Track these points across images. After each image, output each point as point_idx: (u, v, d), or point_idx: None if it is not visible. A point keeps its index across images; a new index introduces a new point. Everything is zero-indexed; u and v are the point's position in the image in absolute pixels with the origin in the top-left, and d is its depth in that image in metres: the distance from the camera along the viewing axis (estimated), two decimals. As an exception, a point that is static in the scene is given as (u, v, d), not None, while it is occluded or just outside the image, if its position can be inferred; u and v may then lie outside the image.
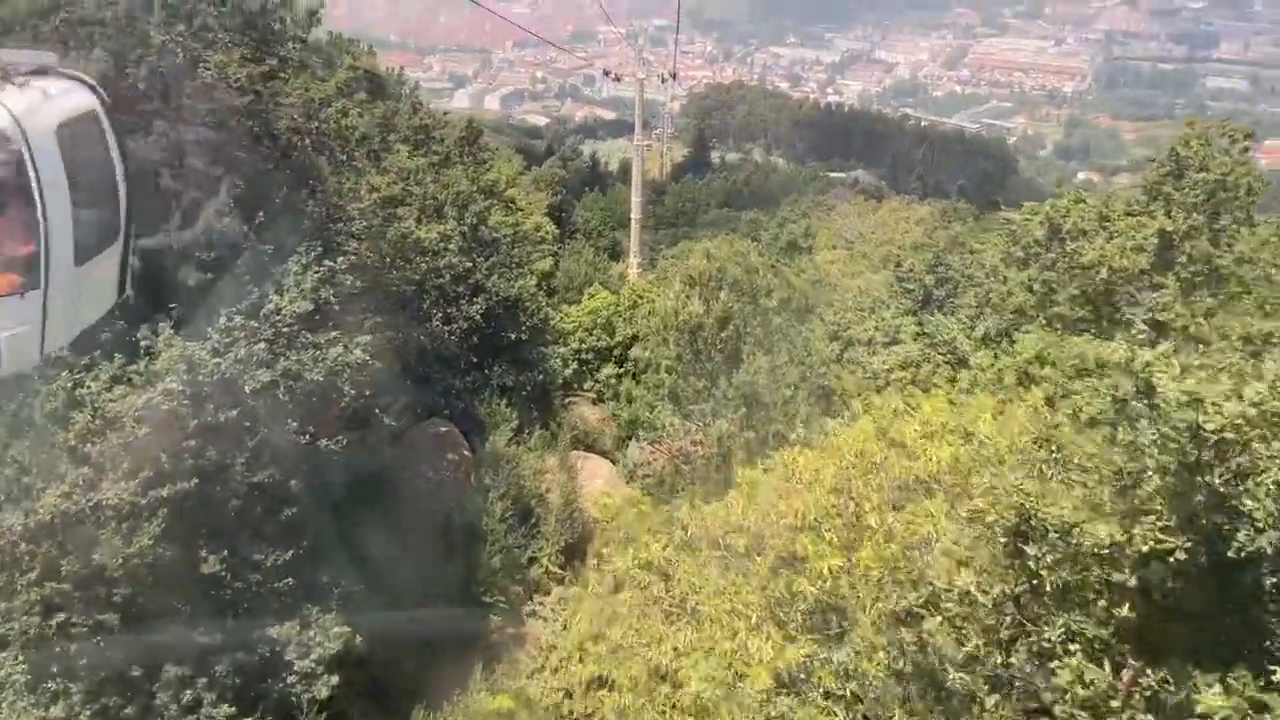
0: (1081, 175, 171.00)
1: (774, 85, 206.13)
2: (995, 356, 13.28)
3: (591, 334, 31.55)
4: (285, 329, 13.14)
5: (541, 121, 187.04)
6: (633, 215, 45.07)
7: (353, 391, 13.84)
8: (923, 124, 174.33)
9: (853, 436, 8.54)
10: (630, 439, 21.21)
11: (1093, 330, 13.81)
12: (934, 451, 8.05)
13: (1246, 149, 15.18)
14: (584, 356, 31.42)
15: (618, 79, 42.33)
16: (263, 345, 12.72)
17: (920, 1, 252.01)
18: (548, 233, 37.35)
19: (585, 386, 31.69)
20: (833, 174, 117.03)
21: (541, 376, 27.87)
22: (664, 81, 41.27)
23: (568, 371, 31.20)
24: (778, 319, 15.44)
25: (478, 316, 25.96)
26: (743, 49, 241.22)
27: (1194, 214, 13.94)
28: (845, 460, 8.41)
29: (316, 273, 13.70)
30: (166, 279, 12.57)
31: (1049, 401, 8.71)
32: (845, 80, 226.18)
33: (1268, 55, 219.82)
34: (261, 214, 13.91)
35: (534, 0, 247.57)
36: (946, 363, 14.87)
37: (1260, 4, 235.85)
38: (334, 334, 13.79)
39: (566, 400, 30.98)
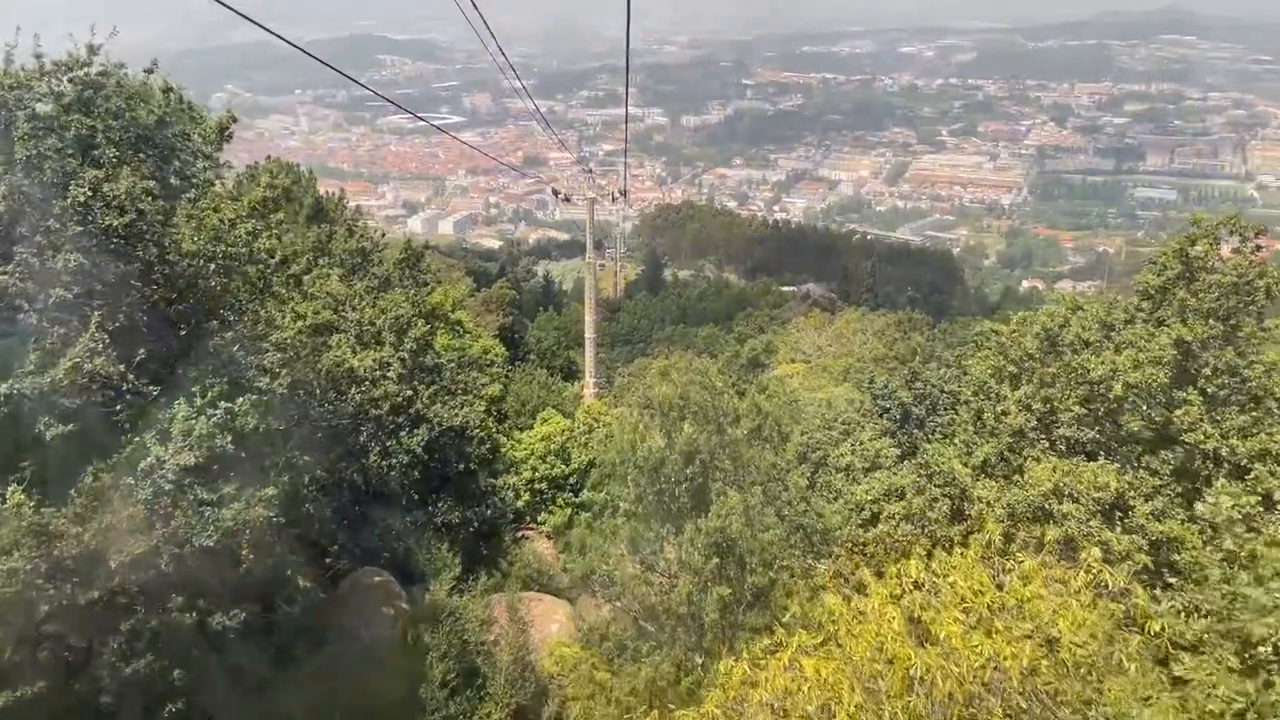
0: (1026, 283, 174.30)
1: (722, 204, 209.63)
2: (1002, 489, 11.38)
3: (545, 461, 29.40)
4: (169, 485, 10.94)
5: (495, 244, 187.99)
6: (586, 334, 43.42)
7: (251, 556, 11.57)
8: (869, 237, 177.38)
9: (869, 630, 6.48)
10: (584, 590, 18.83)
11: (1105, 454, 12.00)
12: (989, 649, 5.95)
13: (1259, 247, 13.70)
14: (537, 486, 29.18)
15: (567, 199, 41.11)
16: (139, 507, 10.50)
17: (858, 122, 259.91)
18: (497, 355, 35.50)
19: (539, 519, 29.39)
20: (785, 288, 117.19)
21: (490, 510, 25.62)
22: (614, 200, 40.04)
23: (519, 503, 28.94)
24: (750, 451, 13.57)
25: (419, 449, 23.80)
26: (691, 171, 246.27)
27: (1211, 320, 12.36)
28: (865, 669, 6.28)
29: (211, 416, 11.57)
30: (19, 431, 10.39)
31: (1107, 559, 6.75)
32: (791, 198, 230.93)
33: (1193, 166, 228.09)
34: (143, 351, 11.81)
35: (485, 128, 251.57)
36: (944, 494, 12.98)
37: (1179, 119, 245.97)
38: (232, 488, 11.61)
39: (519, 534, 28.65)
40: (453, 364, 26.37)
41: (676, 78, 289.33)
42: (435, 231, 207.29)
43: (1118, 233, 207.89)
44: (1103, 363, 12.26)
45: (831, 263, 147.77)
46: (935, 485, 13.03)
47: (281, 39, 11.19)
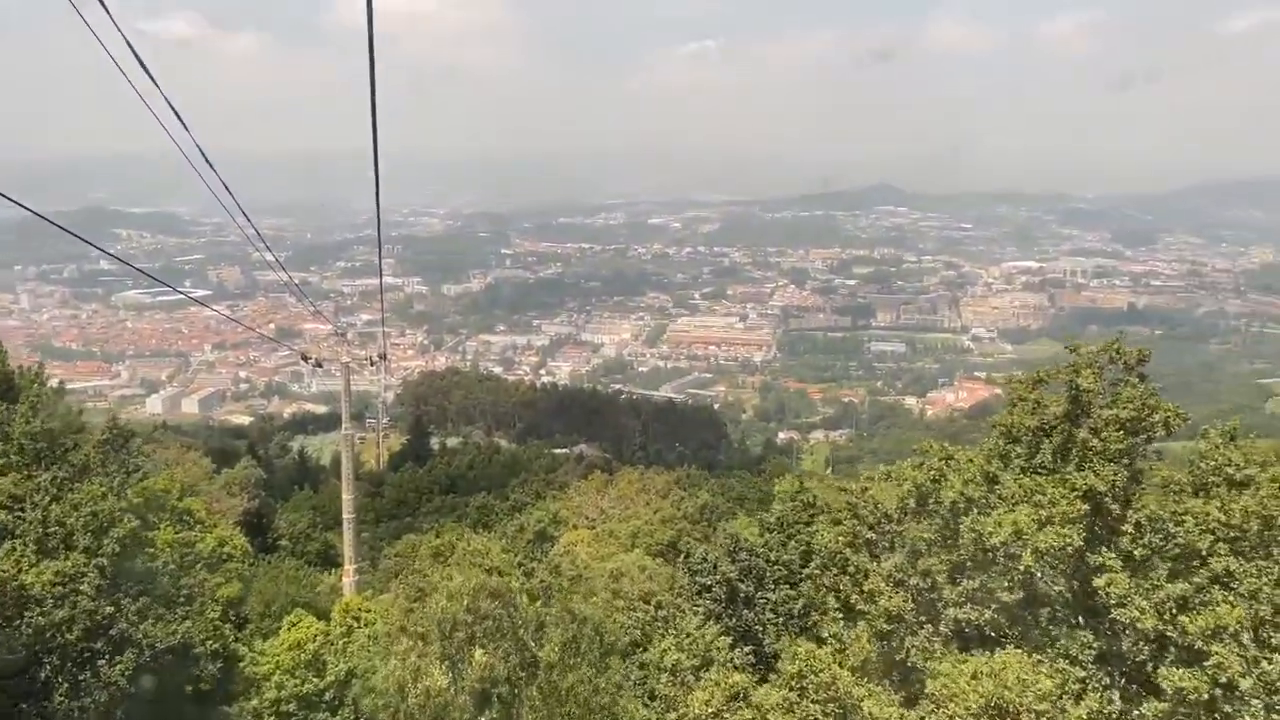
0: (782, 435, 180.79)
1: (488, 370, 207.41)
2: (900, 702, 8.49)
3: (294, 676, 24.20)
4: None
5: (246, 421, 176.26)
6: (345, 514, 38.34)
7: None
8: (635, 397, 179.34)
9: None
10: None
11: (1007, 639, 9.43)
12: None
13: (1144, 375, 11.96)
14: (285, 708, 23.85)
15: (319, 364, 36.83)
16: None
17: (617, 289, 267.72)
18: (236, 547, 30.06)
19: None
20: (557, 450, 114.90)
21: (223, 750, 20.34)
22: (373, 364, 36.19)
23: (264, 731, 23.51)
24: (568, 676, 10.12)
25: (123, 679, 18.51)
26: (454, 338, 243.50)
27: (1116, 464, 10.33)
28: None
29: None
30: None
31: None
32: (556, 362, 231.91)
33: (916, 321, 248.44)
34: None
35: (234, 301, 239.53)
36: (821, 711, 9.92)
37: (900, 280, 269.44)
38: None
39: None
40: (172, 566, 21.33)
41: (436, 248, 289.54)
42: (178, 410, 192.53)
43: (859, 384, 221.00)
44: (999, 524, 9.90)
45: (601, 423, 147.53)
46: (812, 701, 9.95)
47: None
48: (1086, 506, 9.84)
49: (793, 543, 18.45)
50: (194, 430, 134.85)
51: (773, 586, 16.69)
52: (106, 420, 22.24)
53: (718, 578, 16.85)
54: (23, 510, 18.14)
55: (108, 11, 7.05)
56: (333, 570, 40.30)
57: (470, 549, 21.24)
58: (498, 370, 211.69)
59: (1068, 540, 9.56)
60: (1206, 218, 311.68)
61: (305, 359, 36.07)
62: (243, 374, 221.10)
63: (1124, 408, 11.05)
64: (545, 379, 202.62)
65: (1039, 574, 9.66)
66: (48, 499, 18.45)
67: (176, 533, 27.28)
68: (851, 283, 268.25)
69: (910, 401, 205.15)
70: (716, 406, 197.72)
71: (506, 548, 24.63)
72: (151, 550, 20.47)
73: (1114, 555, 9.58)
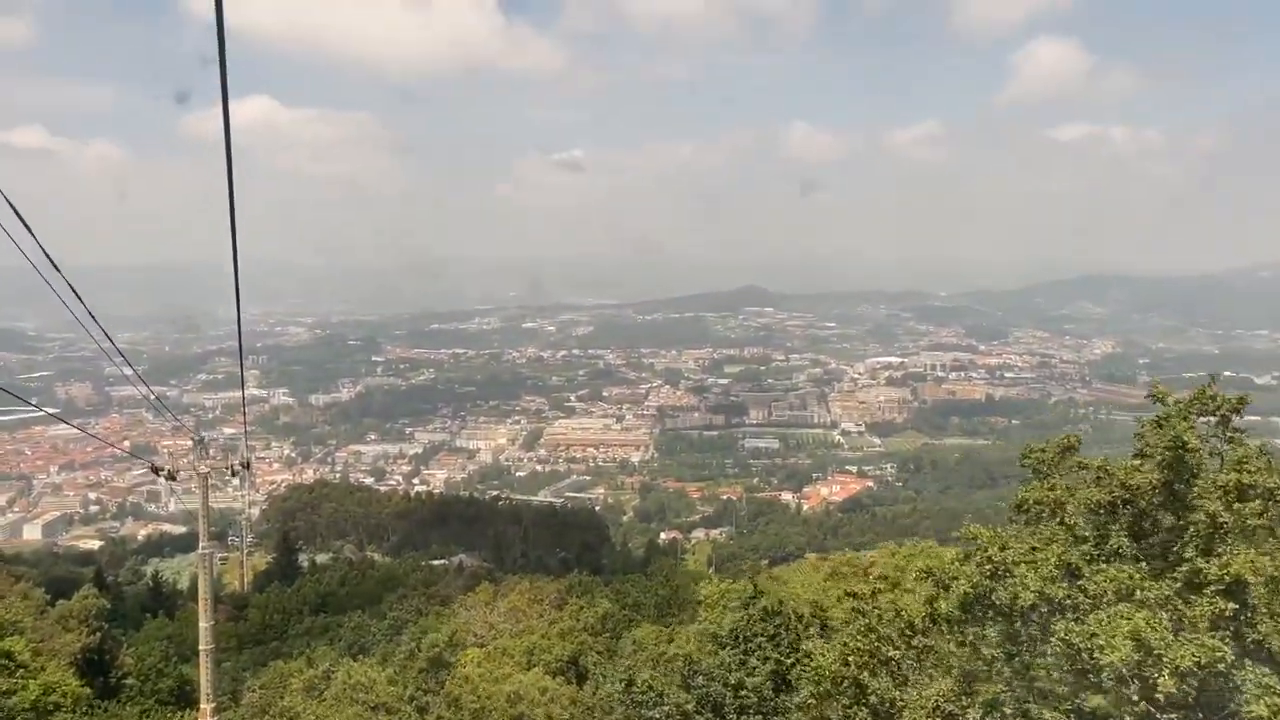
0: (664, 535, 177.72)
1: (359, 481, 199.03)
2: None
3: None
4: None
5: (96, 545, 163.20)
6: (201, 644, 33.40)
7: None
8: (514, 503, 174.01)
9: None
10: None
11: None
12: None
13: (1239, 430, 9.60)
14: None
15: (172, 476, 32.47)
16: None
17: (492, 393, 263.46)
18: (67, 693, 25.21)
19: None
20: (435, 561, 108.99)
21: None
22: (234, 474, 32.23)
23: None
24: None
25: None
26: (323, 449, 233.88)
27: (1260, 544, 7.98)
28: None
29: None
30: None
31: None
32: (430, 470, 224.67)
33: (787, 418, 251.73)
34: None
35: (86, 420, 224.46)
36: None
37: (770, 378, 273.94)
38: None
39: None
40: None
41: (303, 358, 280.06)
42: (19, 537, 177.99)
43: (736, 481, 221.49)
44: (1109, 635, 7.22)
45: (479, 531, 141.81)
46: None
47: None
48: (1234, 605, 7.42)
49: (754, 660, 15.37)
50: (35, 559, 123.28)
51: (735, 715, 13.66)
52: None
53: (667, 709, 13.76)
54: None
55: None
56: (187, 710, 35.03)
57: (351, 681, 17.65)
58: (370, 481, 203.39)
59: (1218, 654, 7.05)
60: (1050, 312, 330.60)
61: (157, 471, 31.84)
62: (93, 495, 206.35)
63: (1254, 471, 8.53)
64: (420, 488, 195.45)
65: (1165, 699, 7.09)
66: None
67: (-8, 682, 22.60)
68: (724, 381, 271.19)
69: (786, 497, 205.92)
70: (597, 509, 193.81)
71: (394, 677, 20.98)
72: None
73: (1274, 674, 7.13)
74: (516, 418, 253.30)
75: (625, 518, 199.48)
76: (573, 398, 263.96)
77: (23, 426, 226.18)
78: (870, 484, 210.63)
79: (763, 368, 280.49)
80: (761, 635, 15.96)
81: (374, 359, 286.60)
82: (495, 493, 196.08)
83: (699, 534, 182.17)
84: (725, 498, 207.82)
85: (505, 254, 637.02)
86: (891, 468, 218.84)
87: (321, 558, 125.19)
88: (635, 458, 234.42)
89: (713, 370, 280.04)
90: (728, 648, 17.22)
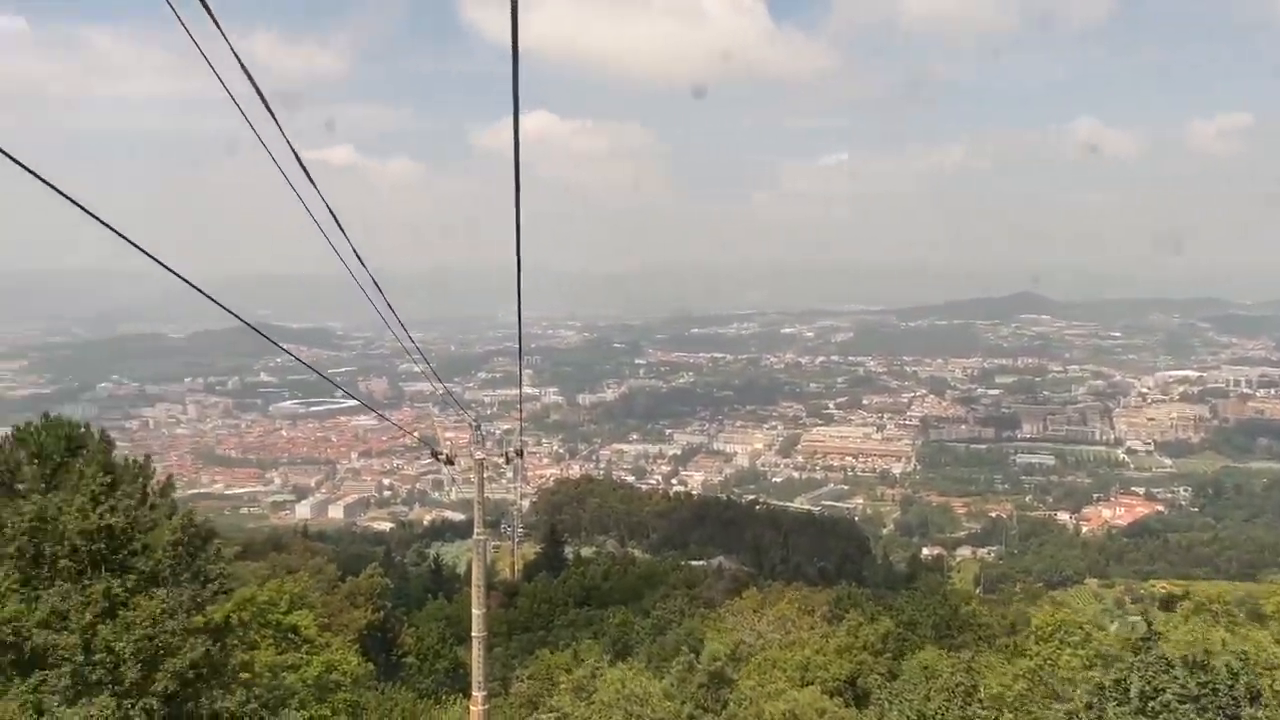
0: (927, 550, 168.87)
1: (621, 479, 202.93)
2: None
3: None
4: None
5: (387, 527, 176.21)
6: (474, 632, 33.18)
7: None
8: (771, 508, 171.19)
9: None
10: None
11: None
12: None
13: None
14: None
15: (451, 461, 32.39)
16: None
17: (749, 398, 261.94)
18: (346, 672, 25.16)
19: None
20: (693, 562, 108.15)
21: None
22: (508, 461, 31.57)
23: None
24: None
25: None
26: (588, 447, 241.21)
27: None
28: None
29: None
30: None
31: None
32: (688, 471, 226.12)
33: (1065, 433, 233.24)
34: None
35: (381, 410, 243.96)
36: None
37: (1046, 390, 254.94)
38: None
39: None
40: (255, 703, 16.53)
41: (572, 359, 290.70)
42: (325, 516, 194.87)
43: (1006, 498, 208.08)
44: None
45: (736, 535, 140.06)
46: None
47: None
48: None
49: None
50: (336, 537, 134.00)
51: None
52: (180, 517, 17.92)
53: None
54: (58, 634, 13.66)
55: (291, 146, 7.32)
56: (460, 697, 34.96)
57: (625, 691, 15.76)
58: (631, 479, 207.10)
59: None
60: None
61: (437, 456, 31.70)
62: (386, 481, 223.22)
63: None
64: (678, 488, 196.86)
65: None
66: (94, 617, 13.91)
67: (279, 652, 22.72)
68: (994, 392, 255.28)
69: (1063, 517, 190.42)
70: (856, 519, 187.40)
71: (670, 690, 19.04)
72: (223, 681, 15.73)
73: None
74: (773, 423, 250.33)
75: (885, 530, 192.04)
76: (831, 405, 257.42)
77: (330, 416, 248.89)
78: (1160, 508, 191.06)
79: (1038, 379, 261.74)
80: (1181, 698, 11.89)
81: (637, 361, 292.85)
82: (752, 497, 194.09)
83: (964, 551, 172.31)
84: (994, 515, 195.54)
85: (765, 259, 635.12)
86: (1185, 491, 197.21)
87: (586, 551, 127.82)
88: (896, 469, 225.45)
89: (982, 380, 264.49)
90: (1122, 705, 13.29)
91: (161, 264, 8.18)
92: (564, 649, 51.05)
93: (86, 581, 14.85)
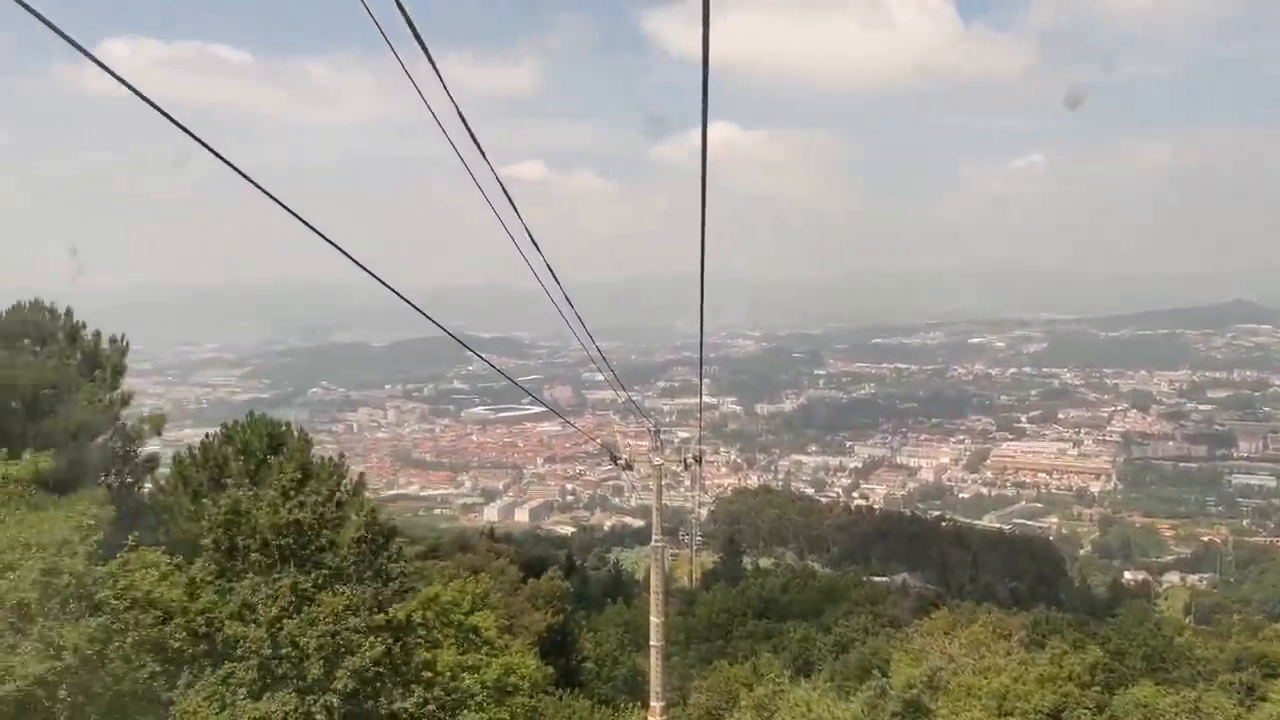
0: (1129, 575, 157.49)
1: (799, 490, 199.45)
2: None
3: None
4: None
5: (569, 531, 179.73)
6: (651, 641, 32.54)
7: None
8: (957, 525, 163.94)
9: None
10: None
11: None
12: None
13: None
14: None
15: (629, 466, 32.09)
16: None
17: (934, 410, 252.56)
18: (523, 676, 24.92)
19: None
20: (876, 579, 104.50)
21: None
22: (687, 466, 30.98)
23: None
24: None
25: None
26: (766, 457, 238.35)
27: None
28: None
29: None
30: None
31: None
32: (869, 484, 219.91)
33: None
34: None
35: (563, 419, 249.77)
36: None
37: (1267, 406, 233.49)
38: None
39: None
40: (433, 704, 16.30)
41: (750, 368, 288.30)
42: (511, 519, 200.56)
43: (1220, 521, 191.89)
44: None
45: (921, 551, 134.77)
46: None
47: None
48: None
49: None
50: (522, 539, 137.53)
51: None
52: (364, 515, 18.00)
53: None
54: (248, 626, 13.75)
55: (489, 163, 7.65)
56: (638, 706, 34.38)
57: (812, 716, 14.55)
58: (809, 491, 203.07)
59: None
60: None
61: (615, 460, 31.44)
62: (569, 486, 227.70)
63: None
64: (859, 502, 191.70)
65: None
66: (280, 611, 13.95)
67: (461, 652, 22.70)
68: (1206, 408, 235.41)
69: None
70: (1050, 539, 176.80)
71: (861, 717, 17.66)
72: (403, 679, 15.55)
73: None
74: (960, 437, 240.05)
75: (1082, 551, 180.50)
76: (1023, 419, 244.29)
77: (517, 422, 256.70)
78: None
79: (1258, 394, 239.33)
80: None
81: (816, 371, 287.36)
82: (937, 513, 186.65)
83: (1172, 577, 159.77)
84: (1206, 539, 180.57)
85: (953, 267, 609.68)
86: None
87: (764, 562, 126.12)
88: (1094, 487, 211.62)
89: (1192, 395, 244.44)
90: None
91: (379, 279, 8.60)
92: (743, 661, 49.84)
93: (275, 575, 15.06)
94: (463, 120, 6.98)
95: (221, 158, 6.02)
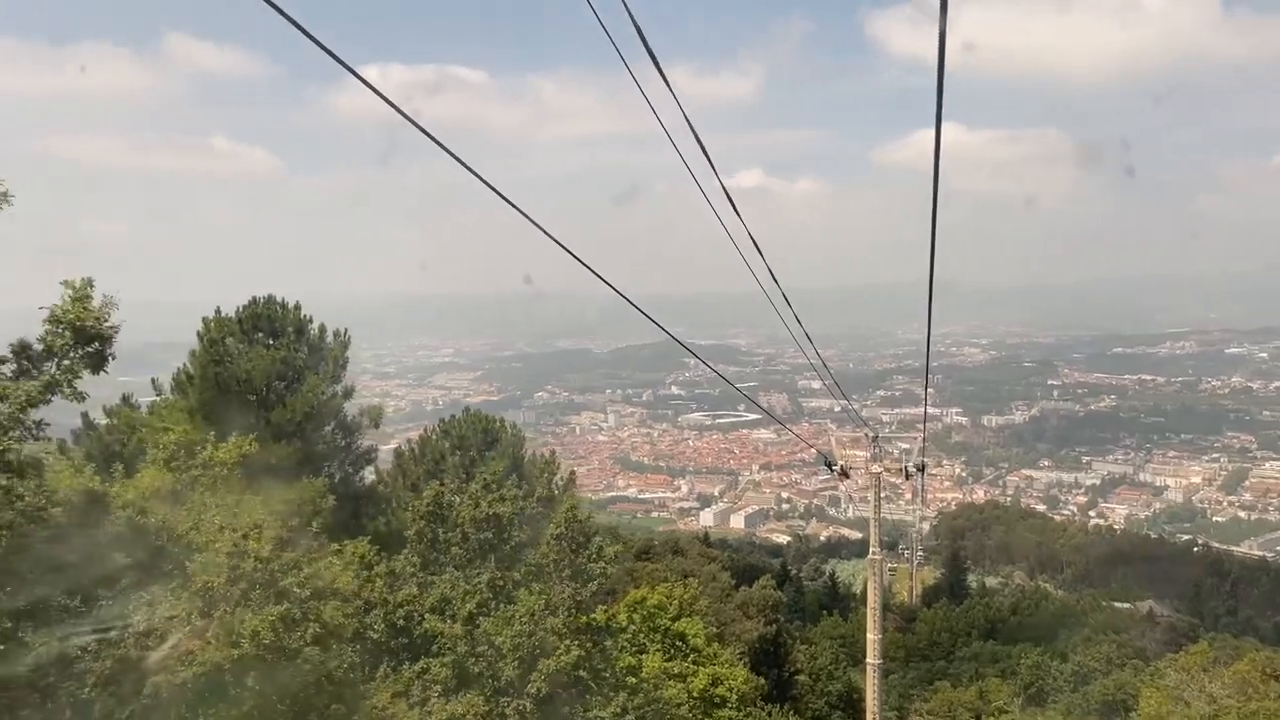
0: None
1: (1029, 507, 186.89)
2: None
3: None
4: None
5: (784, 540, 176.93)
6: (868, 659, 30.52)
7: None
8: (1212, 550, 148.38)
9: None
10: None
11: None
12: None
13: None
14: None
15: (845, 474, 30.27)
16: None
17: (1184, 425, 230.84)
18: (730, 688, 23.65)
19: None
20: (1117, 604, 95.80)
21: None
22: (908, 476, 28.87)
23: None
24: None
25: None
26: (993, 471, 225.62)
27: None
28: None
29: None
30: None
31: None
32: (1109, 503, 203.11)
33: None
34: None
35: (779, 426, 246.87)
36: None
37: None
38: None
39: None
40: (633, 713, 15.37)
41: (977, 378, 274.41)
42: (726, 525, 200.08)
43: None
44: None
45: (1169, 577, 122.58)
46: None
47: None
48: None
49: None
50: (736, 545, 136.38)
51: None
52: (563, 511, 17.25)
53: None
54: (448, 622, 13.30)
55: (715, 171, 7.65)
56: (851, 726, 32.42)
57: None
58: (1041, 508, 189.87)
59: None
60: None
61: (830, 466, 29.72)
62: (785, 494, 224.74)
63: None
64: (1097, 521, 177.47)
65: None
66: (476, 606, 13.42)
67: (666, 659, 21.76)
68: None
69: None
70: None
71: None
72: (601, 686, 14.70)
73: None
74: (1215, 455, 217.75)
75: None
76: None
77: (733, 429, 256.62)
78: None
79: None
80: None
81: (1049, 382, 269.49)
82: (1188, 536, 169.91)
83: None
84: None
85: (1206, 272, 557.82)
86: None
87: (990, 581, 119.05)
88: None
89: None
90: None
91: (615, 289, 8.84)
92: (967, 684, 46.54)
93: (475, 570, 14.65)
94: (691, 130, 7.06)
95: (487, 183, 6.41)
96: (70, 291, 9.69)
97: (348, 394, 24.72)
